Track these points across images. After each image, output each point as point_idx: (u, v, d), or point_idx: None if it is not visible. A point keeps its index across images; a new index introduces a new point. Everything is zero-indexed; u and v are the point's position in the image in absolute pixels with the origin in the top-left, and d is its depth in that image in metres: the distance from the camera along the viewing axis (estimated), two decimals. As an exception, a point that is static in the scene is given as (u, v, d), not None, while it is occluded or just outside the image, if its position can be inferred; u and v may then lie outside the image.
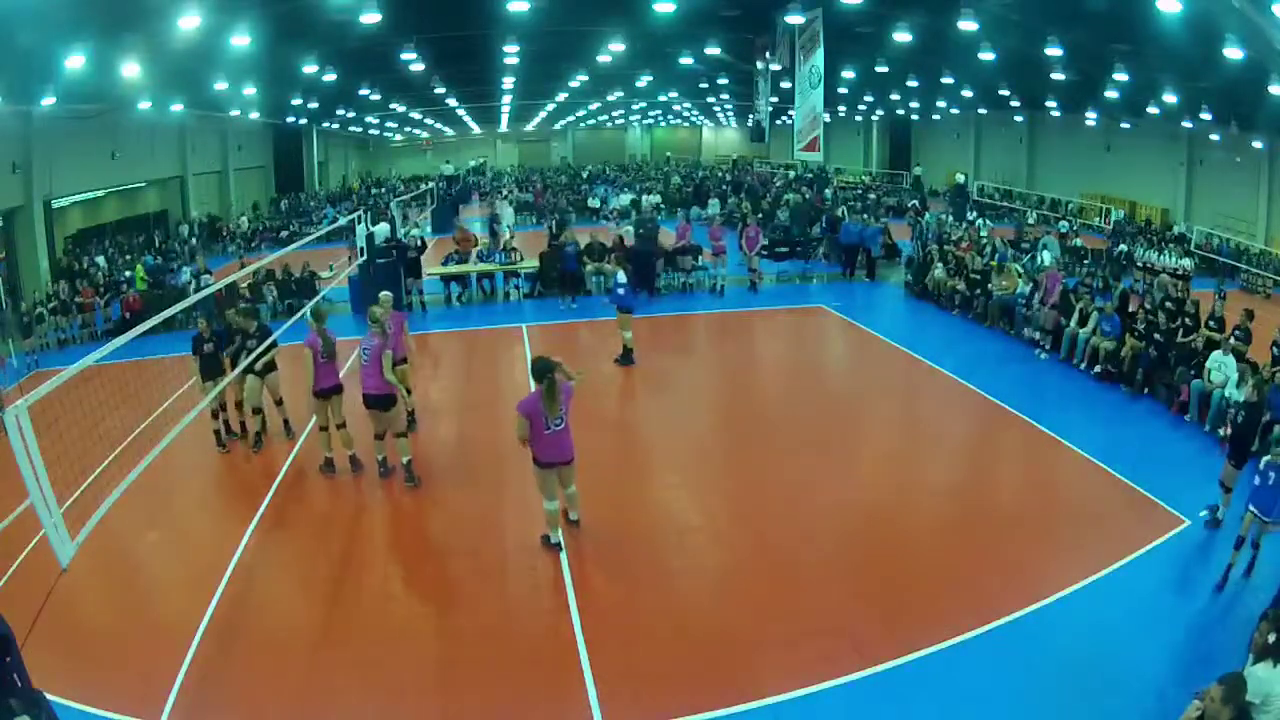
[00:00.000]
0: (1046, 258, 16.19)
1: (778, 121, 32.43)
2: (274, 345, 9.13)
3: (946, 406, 10.49)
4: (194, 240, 25.29)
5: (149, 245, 24.19)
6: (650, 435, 9.79)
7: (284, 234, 26.95)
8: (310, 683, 5.35)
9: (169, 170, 26.36)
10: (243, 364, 8.59)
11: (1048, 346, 12.22)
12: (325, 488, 8.37)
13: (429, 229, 22.59)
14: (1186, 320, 11.24)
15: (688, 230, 17.67)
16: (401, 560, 7.03)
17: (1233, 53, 12.95)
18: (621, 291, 11.58)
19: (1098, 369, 11.13)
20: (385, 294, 9.74)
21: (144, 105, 20.33)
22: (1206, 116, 21.01)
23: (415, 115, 39.28)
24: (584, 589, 6.25)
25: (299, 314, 13.08)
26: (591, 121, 52.15)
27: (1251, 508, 6.19)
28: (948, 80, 24.50)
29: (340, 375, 8.52)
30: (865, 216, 19.98)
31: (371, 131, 44.28)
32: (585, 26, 19.52)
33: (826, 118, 23.44)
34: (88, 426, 8.06)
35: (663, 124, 56.92)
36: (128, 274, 20.13)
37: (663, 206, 28.36)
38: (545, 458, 6.50)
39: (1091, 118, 26.93)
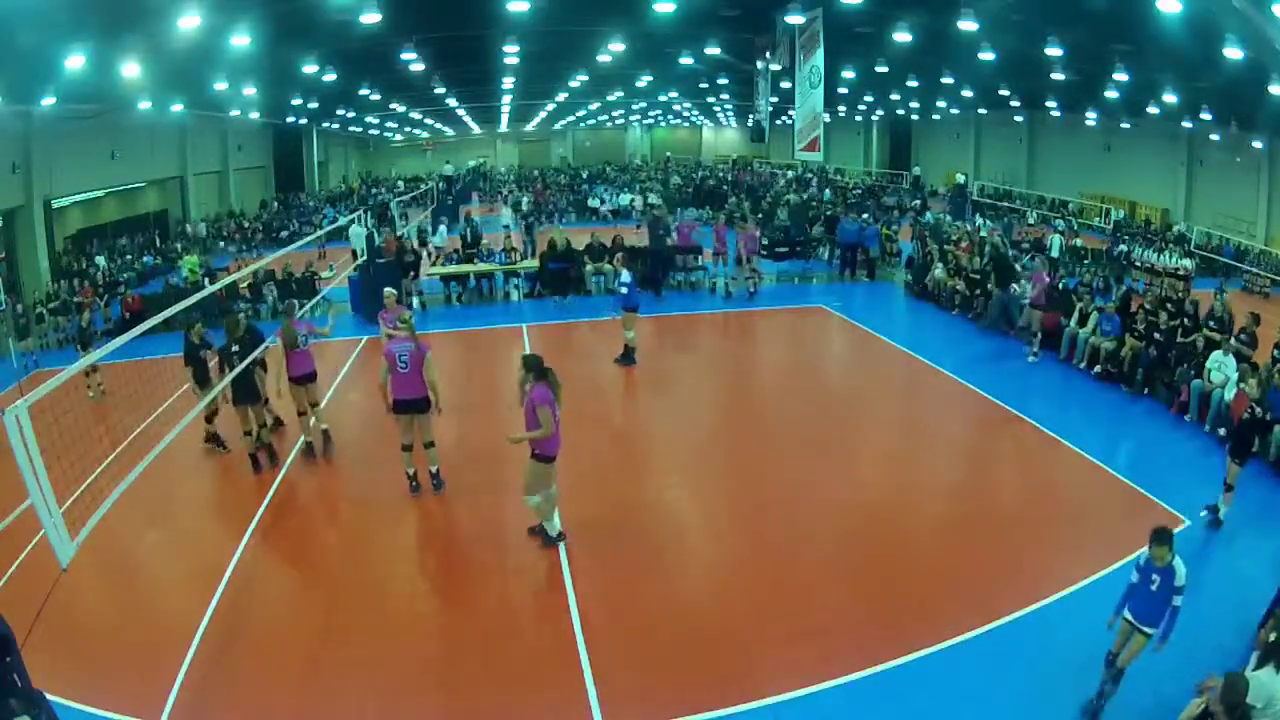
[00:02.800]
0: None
1: (778, 121, 32.42)
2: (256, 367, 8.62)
3: (946, 406, 10.48)
4: (178, 244, 25.06)
5: (149, 245, 24.23)
6: (650, 435, 9.78)
7: (284, 234, 26.98)
8: (310, 682, 5.35)
9: (169, 170, 26.37)
10: (224, 380, 8.21)
11: (1036, 349, 12.03)
12: (325, 488, 8.38)
13: (442, 231, 22.00)
14: (1186, 320, 11.24)
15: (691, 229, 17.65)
16: (401, 560, 7.02)
17: (1233, 53, 12.95)
18: (625, 290, 11.51)
19: (1097, 369, 11.13)
20: (389, 290, 9.77)
21: (144, 105, 20.35)
22: (1206, 116, 21.03)
23: (415, 115, 39.25)
24: (584, 588, 6.25)
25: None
26: (591, 121, 52.06)
27: (1128, 615, 4.89)
28: (948, 80, 24.50)
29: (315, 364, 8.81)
30: (864, 216, 20.02)
31: (371, 131, 44.24)
32: (585, 26, 19.50)
33: (826, 118, 23.42)
34: (87, 426, 8.08)
35: (663, 124, 56.87)
36: (125, 276, 20.17)
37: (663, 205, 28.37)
38: (555, 449, 6.53)
39: (1091, 118, 26.94)
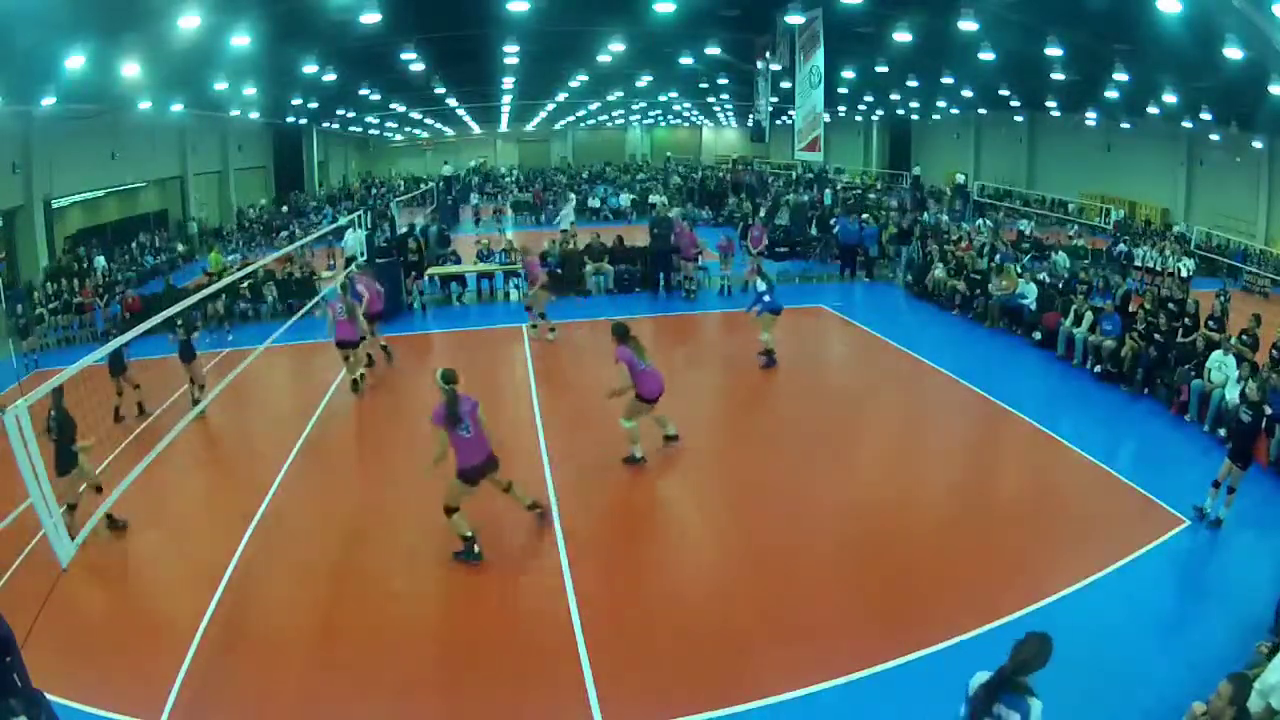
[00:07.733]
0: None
1: (778, 121, 32.43)
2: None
3: (946, 406, 10.48)
4: (178, 244, 24.89)
5: (150, 245, 24.20)
6: (650, 435, 9.75)
7: (283, 234, 26.97)
8: (310, 683, 5.35)
9: (169, 170, 26.34)
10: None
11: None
12: (325, 488, 8.37)
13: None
14: (1186, 320, 11.24)
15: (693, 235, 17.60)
16: (402, 560, 7.01)
17: (1233, 53, 12.94)
18: (768, 298, 11.55)
19: (1098, 369, 11.13)
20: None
21: (144, 105, 20.32)
22: (1206, 116, 21.03)
23: (415, 115, 39.22)
24: (584, 588, 6.25)
25: (300, 313, 13.15)
26: (591, 121, 52.01)
27: None
28: (948, 80, 24.49)
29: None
30: (865, 216, 20.03)
31: (371, 131, 44.22)
32: (585, 26, 19.52)
33: (827, 118, 23.45)
34: (88, 426, 8.07)
35: (663, 124, 56.82)
36: (125, 276, 20.13)
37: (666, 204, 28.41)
38: (653, 390, 8.05)
39: (1092, 118, 26.94)
